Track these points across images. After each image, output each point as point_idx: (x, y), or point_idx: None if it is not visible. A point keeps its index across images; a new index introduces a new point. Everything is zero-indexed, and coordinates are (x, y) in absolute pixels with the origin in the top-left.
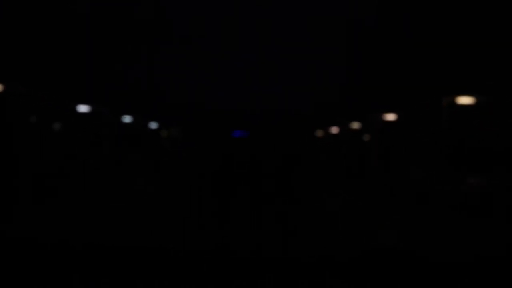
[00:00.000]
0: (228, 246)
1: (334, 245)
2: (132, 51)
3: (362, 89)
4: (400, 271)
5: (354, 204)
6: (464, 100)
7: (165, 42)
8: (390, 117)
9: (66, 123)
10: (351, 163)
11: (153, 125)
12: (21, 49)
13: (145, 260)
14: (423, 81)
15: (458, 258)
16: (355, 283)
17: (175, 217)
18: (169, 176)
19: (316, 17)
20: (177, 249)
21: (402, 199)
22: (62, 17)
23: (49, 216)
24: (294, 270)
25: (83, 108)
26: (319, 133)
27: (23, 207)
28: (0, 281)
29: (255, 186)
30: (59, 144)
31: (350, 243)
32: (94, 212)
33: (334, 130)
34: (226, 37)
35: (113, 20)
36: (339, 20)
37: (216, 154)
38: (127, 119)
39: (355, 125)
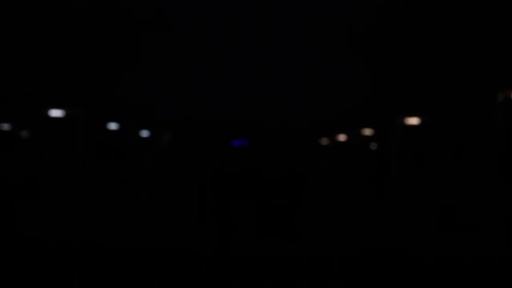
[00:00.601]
0: (228, 246)
1: (334, 245)
2: (132, 50)
3: (361, 89)
4: (399, 271)
5: (354, 204)
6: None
7: (165, 42)
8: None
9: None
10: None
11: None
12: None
13: (145, 260)
14: (423, 81)
15: (457, 259)
16: (355, 283)
17: (176, 221)
18: (168, 182)
19: (316, 17)
20: (177, 249)
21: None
22: (61, 17)
23: (49, 216)
24: (294, 270)
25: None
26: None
27: (23, 207)
28: (0, 281)
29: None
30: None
31: (350, 243)
32: (94, 212)
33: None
34: (226, 37)
35: (113, 20)
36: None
37: (214, 160)
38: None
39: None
